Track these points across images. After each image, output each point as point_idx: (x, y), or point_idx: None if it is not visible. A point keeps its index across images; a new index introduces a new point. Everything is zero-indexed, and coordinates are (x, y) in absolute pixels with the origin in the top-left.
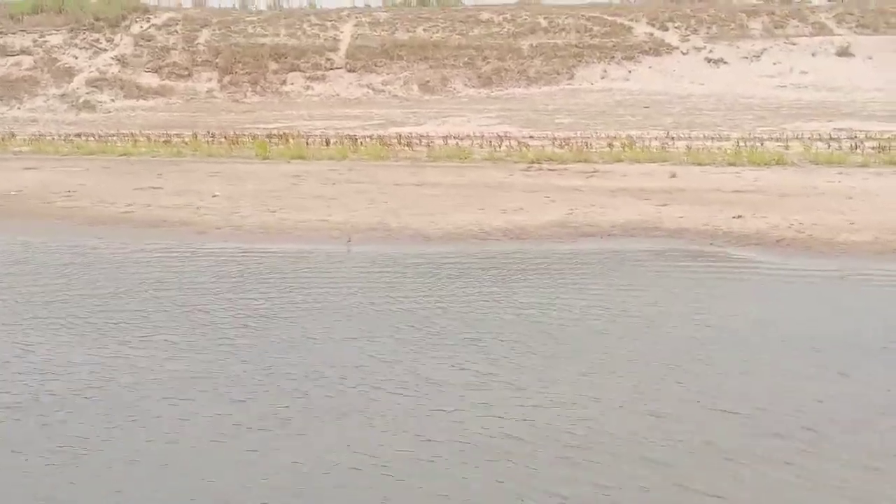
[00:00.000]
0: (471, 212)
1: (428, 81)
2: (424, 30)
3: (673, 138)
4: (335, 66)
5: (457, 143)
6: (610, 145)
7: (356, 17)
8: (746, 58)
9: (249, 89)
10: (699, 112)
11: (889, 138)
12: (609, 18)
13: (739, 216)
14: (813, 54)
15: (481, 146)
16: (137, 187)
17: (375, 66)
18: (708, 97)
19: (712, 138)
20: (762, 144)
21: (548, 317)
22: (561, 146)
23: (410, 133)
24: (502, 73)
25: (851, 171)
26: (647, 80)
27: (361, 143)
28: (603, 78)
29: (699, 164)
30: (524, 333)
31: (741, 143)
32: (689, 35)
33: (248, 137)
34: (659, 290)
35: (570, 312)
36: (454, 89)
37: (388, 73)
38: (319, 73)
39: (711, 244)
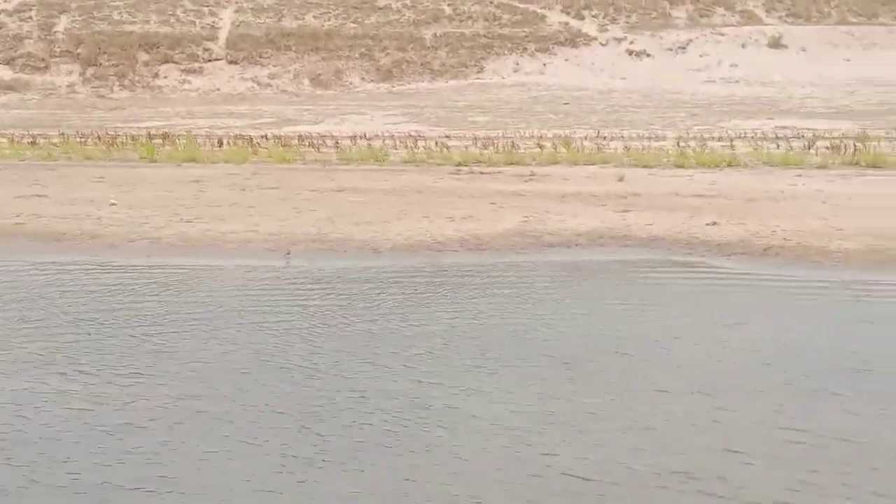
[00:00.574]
0: (415, 220)
1: (320, 75)
2: (315, 17)
3: (605, 138)
4: (214, 56)
5: (368, 144)
6: (539, 146)
7: (236, 3)
8: (671, 49)
9: (117, 83)
10: (625, 109)
11: (839, 137)
12: (520, 6)
13: (714, 223)
14: (743, 46)
15: (395, 147)
16: (18, 195)
17: (260, 57)
18: (632, 93)
19: (648, 138)
20: (704, 144)
21: (557, 342)
22: (484, 147)
23: (310, 133)
24: (403, 66)
25: (812, 174)
26: (563, 74)
27: (258, 143)
28: (516, 71)
29: (645, 167)
30: (539, 364)
31: (681, 144)
32: (607, 25)
33: (125, 137)
34: (661, 310)
35: (577, 335)
36: (350, 83)
37: (274, 66)
38: (196, 65)
39: (690, 254)
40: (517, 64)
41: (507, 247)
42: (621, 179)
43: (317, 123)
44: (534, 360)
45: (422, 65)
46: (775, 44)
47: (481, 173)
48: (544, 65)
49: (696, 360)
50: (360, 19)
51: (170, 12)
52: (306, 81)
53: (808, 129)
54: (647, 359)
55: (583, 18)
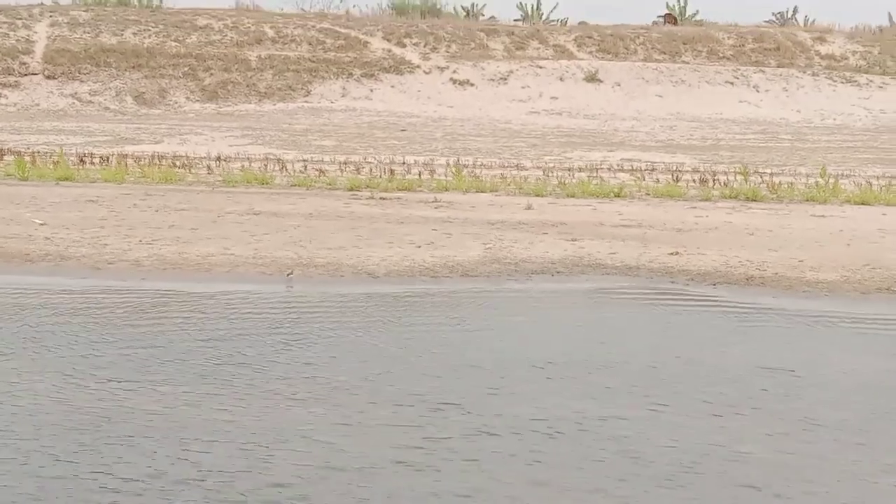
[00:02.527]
0: (383, 247)
1: (144, 93)
2: (134, 33)
3: (465, 166)
4: (31, 71)
5: (243, 167)
6: (418, 173)
7: (50, 16)
8: (493, 80)
9: None
10: (464, 137)
11: (692, 170)
12: (342, 31)
13: (676, 253)
14: (560, 79)
15: (263, 170)
16: None
17: (79, 73)
18: (463, 121)
19: (506, 166)
20: (572, 175)
21: (653, 369)
22: (356, 171)
23: (159, 153)
24: (229, 87)
25: (704, 206)
26: (391, 101)
27: (119, 162)
28: (343, 96)
29: (536, 195)
30: (638, 387)
31: (549, 174)
32: (429, 53)
33: None
34: (694, 338)
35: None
36: (175, 102)
37: (94, 82)
38: (12, 78)
39: (674, 282)
40: (344, 89)
41: (495, 273)
42: (530, 207)
43: (157, 143)
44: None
45: (247, 86)
46: (591, 78)
47: (382, 199)
48: (371, 90)
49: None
50: (180, 38)
51: None
52: (129, 99)
53: (652, 161)
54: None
55: (404, 46)
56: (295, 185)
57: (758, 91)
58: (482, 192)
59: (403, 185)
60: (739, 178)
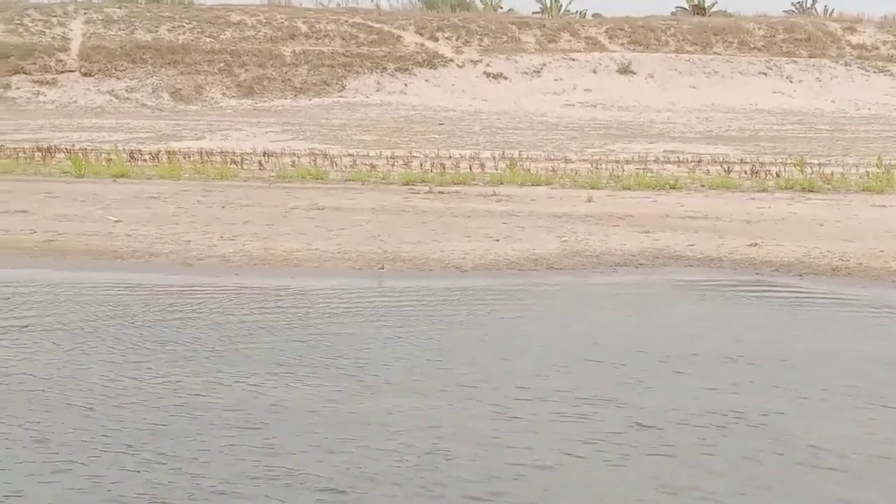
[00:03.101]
0: (462, 241)
1: (180, 89)
2: (168, 30)
3: (512, 159)
4: (68, 68)
5: (293, 162)
6: (468, 166)
7: (85, 13)
8: (527, 73)
9: None
10: (503, 131)
11: (739, 161)
12: (375, 25)
13: (755, 244)
14: (594, 71)
15: (314, 164)
16: (2, 211)
17: (116, 69)
18: (499, 114)
19: (553, 159)
20: (622, 167)
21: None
22: (405, 166)
23: (204, 149)
24: (264, 83)
25: (762, 197)
26: (426, 95)
27: (170, 159)
28: (378, 90)
29: (592, 188)
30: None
31: (598, 166)
32: (461, 46)
33: (10, 151)
34: (805, 330)
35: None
36: (212, 98)
37: (131, 79)
38: (50, 76)
39: (758, 273)
40: (378, 83)
41: (579, 266)
42: (590, 200)
43: (199, 139)
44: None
45: (283, 81)
46: (625, 70)
47: (440, 193)
48: (405, 84)
49: None
50: (214, 34)
51: (17, 21)
52: (166, 96)
53: (696, 153)
54: None
55: (437, 40)
56: (349, 180)
57: (791, 82)
58: (537, 185)
59: (458, 179)
60: (789, 168)
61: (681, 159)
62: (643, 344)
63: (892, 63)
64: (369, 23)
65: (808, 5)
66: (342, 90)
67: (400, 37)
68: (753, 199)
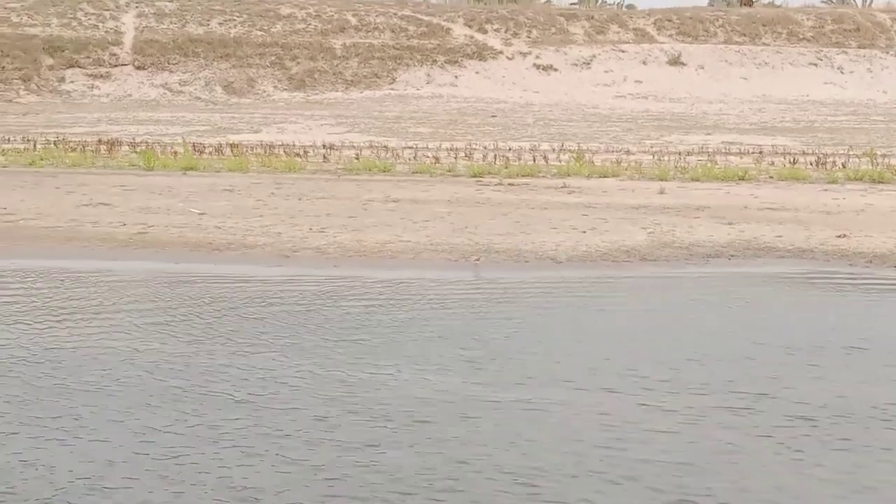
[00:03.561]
0: (548, 233)
1: (232, 83)
2: (219, 23)
3: (572, 151)
4: (121, 62)
5: (357, 155)
6: (532, 158)
7: (137, 7)
8: (576, 65)
9: (22, 87)
10: (557, 123)
11: (803, 152)
12: (424, 18)
13: (844, 235)
14: (644, 62)
15: (376, 157)
16: (79, 203)
17: (168, 63)
18: (551, 106)
19: (613, 151)
20: (684, 159)
21: None
22: (467, 158)
23: (263, 142)
24: (316, 75)
25: (833, 188)
26: (476, 87)
27: (233, 152)
28: (428, 83)
29: (662, 179)
30: None
31: (660, 158)
32: (510, 38)
33: (76, 144)
34: None
35: None
36: (264, 91)
37: (184, 72)
38: (103, 69)
39: (852, 265)
40: (429, 75)
41: (672, 257)
42: (662, 192)
43: (256, 132)
44: None
45: (334, 74)
46: (675, 61)
47: (510, 185)
48: (456, 77)
49: None
50: (265, 27)
51: (70, 15)
52: (219, 89)
53: (756, 144)
54: None
55: (486, 32)
56: (416, 173)
57: (842, 73)
58: (604, 176)
59: (525, 171)
60: (853, 160)
61: (742, 150)
62: (766, 336)
63: None
64: (418, 15)
65: None
66: (393, 83)
67: (449, 29)
68: (826, 190)
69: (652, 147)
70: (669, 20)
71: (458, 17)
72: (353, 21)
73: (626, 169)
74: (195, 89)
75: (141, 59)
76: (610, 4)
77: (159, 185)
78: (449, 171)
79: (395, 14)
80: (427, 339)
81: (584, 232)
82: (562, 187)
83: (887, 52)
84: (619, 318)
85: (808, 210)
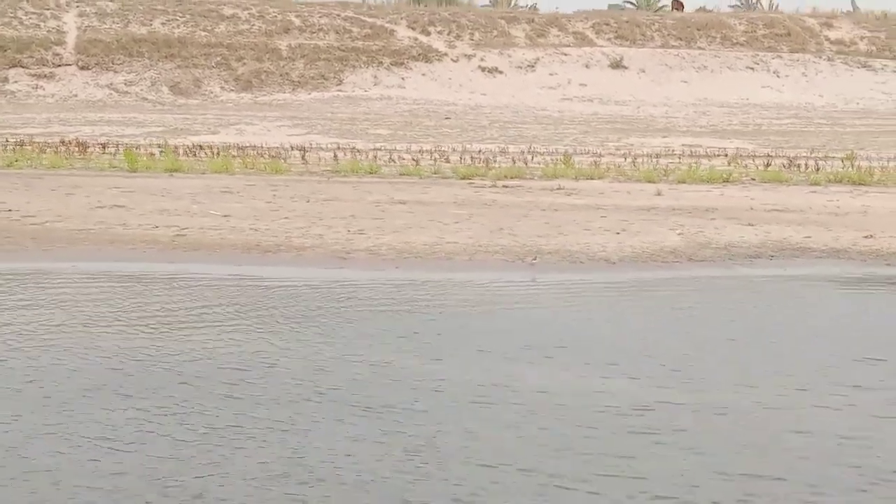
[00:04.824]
0: (581, 233)
1: (179, 83)
2: (162, 23)
3: (539, 153)
4: (64, 61)
5: (336, 156)
6: (513, 160)
7: (77, 6)
8: (521, 67)
9: None
10: (512, 125)
11: (768, 155)
12: (367, 20)
13: (870, 236)
14: (586, 66)
15: (349, 158)
16: (96, 205)
17: (113, 63)
18: (501, 108)
19: (581, 153)
20: (656, 161)
21: None
22: (445, 160)
23: (229, 144)
24: (262, 76)
25: (822, 190)
26: (424, 88)
27: (211, 153)
28: (376, 84)
29: (649, 181)
30: None
31: (634, 161)
32: (453, 41)
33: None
34: None
35: None
36: (211, 92)
37: (129, 72)
38: (47, 69)
39: (888, 264)
40: (376, 77)
41: (717, 258)
42: (659, 194)
43: (215, 133)
44: None
45: (280, 75)
46: (617, 65)
47: (504, 187)
48: (402, 78)
49: None
50: (209, 27)
51: (11, 14)
52: (165, 89)
53: (714, 146)
54: None
55: (429, 34)
56: (404, 175)
57: (778, 76)
58: (591, 178)
59: (512, 173)
60: (821, 162)
61: (708, 153)
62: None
63: (871, 58)
64: (361, 17)
65: (754, 1)
66: (340, 84)
67: (393, 31)
68: (814, 192)
69: (617, 150)
70: (607, 24)
71: (401, 18)
72: (297, 22)
73: (608, 171)
74: (141, 89)
75: (85, 59)
76: (522, 7)
77: (154, 187)
78: (435, 174)
79: (338, 15)
80: (521, 337)
81: (618, 233)
82: (557, 189)
83: (819, 57)
84: (738, 321)
85: (813, 211)
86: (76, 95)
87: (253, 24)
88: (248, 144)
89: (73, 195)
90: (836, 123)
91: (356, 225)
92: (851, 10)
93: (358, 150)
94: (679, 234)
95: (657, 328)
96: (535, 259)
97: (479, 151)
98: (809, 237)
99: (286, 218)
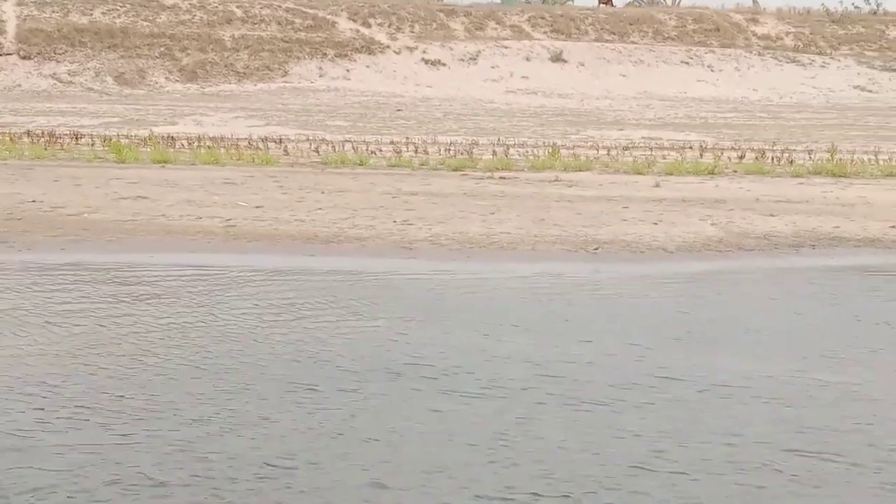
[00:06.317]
0: (619, 224)
1: (123, 73)
2: (103, 13)
3: (509, 145)
4: (5, 51)
5: (317, 148)
6: (493, 152)
7: None
8: (463, 60)
9: None
10: (465, 117)
11: (731, 147)
12: (309, 11)
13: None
14: (527, 59)
15: (318, 150)
16: (119, 197)
17: (55, 53)
18: (450, 101)
19: (544, 146)
20: (629, 153)
21: None
22: (416, 152)
23: (200, 134)
24: (207, 67)
25: (810, 181)
26: (369, 80)
27: (190, 144)
28: (321, 76)
29: (638, 173)
30: None
31: (609, 153)
32: (395, 33)
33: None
34: None
35: None
36: (156, 83)
37: (71, 62)
38: None
39: None
40: (321, 69)
41: (764, 247)
42: (658, 185)
43: (173, 125)
44: None
45: (225, 66)
46: (557, 58)
47: (501, 178)
48: (347, 70)
49: None
50: (150, 17)
51: None
52: (110, 80)
53: (672, 139)
54: None
55: (370, 26)
56: (394, 166)
57: (712, 71)
58: (579, 170)
59: (502, 165)
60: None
61: (672, 146)
62: None
63: (799, 53)
64: (302, 8)
65: None
66: (286, 75)
67: (335, 23)
68: (802, 184)
69: (584, 142)
70: (543, 17)
71: (342, 10)
72: (239, 13)
73: (593, 163)
74: (86, 80)
75: (26, 49)
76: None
77: (155, 178)
78: (423, 165)
79: (279, 6)
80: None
81: (655, 224)
82: (555, 180)
83: (750, 52)
84: (840, 307)
85: (818, 202)
86: (20, 85)
87: (194, 15)
88: (217, 136)
89: (81, 186)
90: (778, 117)
91: (395, 216)
92: (752, 3)
93: (327, 142)
94: (712, 223)
95: (797, 314)
96: (596, 249)
97: (451, 143)
98: (838, 227)
99: (320, 209)
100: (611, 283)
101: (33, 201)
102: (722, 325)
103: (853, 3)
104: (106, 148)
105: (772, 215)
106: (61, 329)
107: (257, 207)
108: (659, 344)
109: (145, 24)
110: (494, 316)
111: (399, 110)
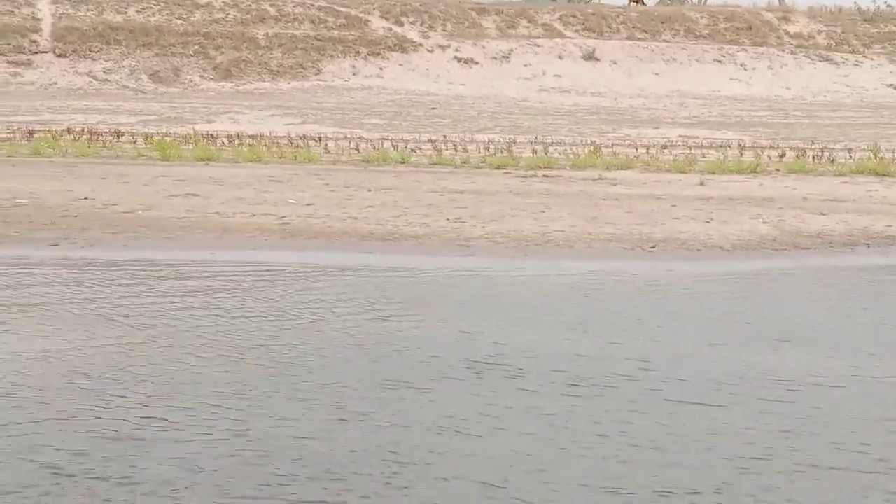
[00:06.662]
0: (669, 222)
1: (158, 71)
2: (137, 11)
3: (548, 144)
4: (41, 49)
5: (357, 147)
6: (533, 151)
7: None
8: (496, 58)
9: None
10: (501, 115)
11: (770, 147)
12: (342, 10)
13: None
14: (559, 57)
15: (374, 148)
16: (170, 194)
17: (90, 51)
18: (484, 99)
19: (583, 144)
20: (670, 152)
21: None
22: (455, 150)
23: (233, 132)
24: (241, 65)
25: (854, 181)
26: (402, 79)
27: (230, 142)
28: (355, 74)
29: (680, 172)
30: None
31: (649, 151)
32: (427, 31)
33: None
34: None
35: None
36: (190, 81)
37: (107, 60)
38: (24, 57)
39: None
40: (354, 67)
41: (820, 245)
42: (702, 184)
43: (210, 122)
44: None
45: (259, 64)
46: (589, 56)
47: (545, 176)
48: (380, 69)
49: None
50: (184, 16)
51: None
52: (145, 77)
53: (709, 137)
54: None
55: (402, 24)
56: (436, 164)
57: (745, 69)
58: (621, 169)
59: (543, 163)
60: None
61: (711, 144)
62: None
63: (831, 52)
64: (335, 6)
65: None
66: (319, 73)
67: (367, 21)
68: (846, 182)
69: (617, 140)
70: (574, 16)
71: (374, 9)
72: (272, 11)
73: (634, 162)
74: (121, 77)
75: (62, 47)
76: None
77: (202, 176)
78: (465, 163)
79: (312, 5)
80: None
81: (707, 222)
82: (598, 179)
83: (783, 50)
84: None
85: (865, 201)
86: (56, 83)
87: (228, 13)
88: (255, 134)
89: (129, 183)
90: (813, 116)
91: (446, 213)
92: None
93: (365, 140)
94: (763, 221)
95: (872, 313)
96: (653, 247)
97: (489, 142)
98: (890, 226)
99: (370, 207)
100: (673, 282)
101: (85, 198)
102: (797, 322)
103: (885, 2)
104: (148, 146)
105: (822, 214)
106: (165, 327)
107: (308, 205)
108: (754, 344)
109: (179, 22)
110: (569, 313)
111: (434, 108)
